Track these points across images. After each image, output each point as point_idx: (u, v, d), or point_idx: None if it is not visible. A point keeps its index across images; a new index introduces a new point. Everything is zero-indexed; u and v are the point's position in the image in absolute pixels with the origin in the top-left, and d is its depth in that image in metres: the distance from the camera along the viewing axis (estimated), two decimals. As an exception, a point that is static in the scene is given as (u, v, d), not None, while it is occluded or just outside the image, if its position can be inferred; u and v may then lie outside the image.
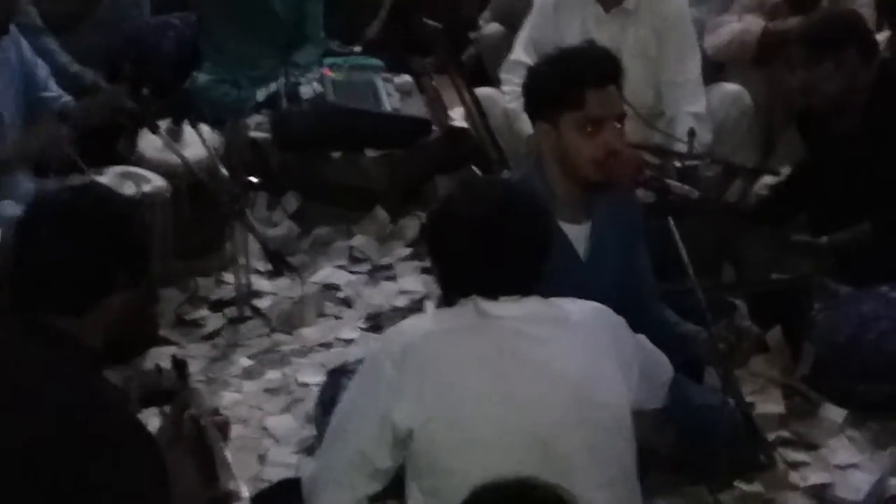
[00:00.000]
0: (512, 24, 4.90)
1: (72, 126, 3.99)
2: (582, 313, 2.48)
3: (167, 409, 2.40)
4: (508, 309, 2.39)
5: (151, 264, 3.68)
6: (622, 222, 3.17)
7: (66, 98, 4.19)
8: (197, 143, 4.16)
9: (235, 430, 3.04)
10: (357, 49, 5.38)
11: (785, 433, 3.37)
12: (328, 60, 5.02)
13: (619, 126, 3.00)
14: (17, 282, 2.12)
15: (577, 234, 3.04)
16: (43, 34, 4.44)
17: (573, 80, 2.97)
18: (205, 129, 4.27)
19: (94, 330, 2.11)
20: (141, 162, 4.14)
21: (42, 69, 4.16)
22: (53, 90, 4.18)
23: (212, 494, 2.30)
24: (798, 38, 3.98)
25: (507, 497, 1.79)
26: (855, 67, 3.77)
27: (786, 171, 4.26)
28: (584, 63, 3.03)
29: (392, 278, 4.27)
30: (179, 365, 2.49)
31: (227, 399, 3.52)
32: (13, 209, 3.67)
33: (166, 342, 3.81)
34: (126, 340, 2.40)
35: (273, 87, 4.89)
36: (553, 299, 2.47)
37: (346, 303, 4.13)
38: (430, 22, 4.78)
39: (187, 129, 4.25)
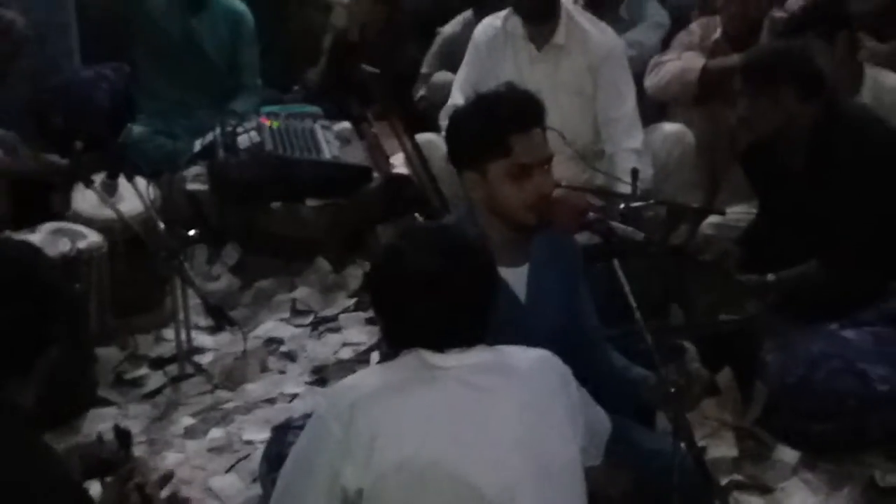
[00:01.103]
0: (456, 69, 4.93)
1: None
2: (529, 362, 2.48)
3: (108, 479, 2.38)
4: (455, 360, 2.38)
5: (87, 322, 3.70)
6: (561, 264, 3.18)
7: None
8: (133, 196, 4.14)
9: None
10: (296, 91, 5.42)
11: (738, 477, 3.39)
12: (265, 108, 5.04)
13: (547, 168, 3.01)
14: None
15: (516, 277, 3.04)
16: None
17: (497, 127, 2.97)
18: (141, 182, 4.23)
19: (26, 389, 2.11)
20: (76, 217, 4.12)
21: None
22: None
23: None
24: (738, 73, 4.03)
25: None
26: (792, 104, 3.78)
27: (731, 210, 4.29)
28: (506, 108, 3.01)
29: (336, 330, 4.25)
30: (122, 435, 2.48)
31: (169, 460, 3.48)
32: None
33: (105, 402, 3.77)
34: (62, 401, 2.40)
35: (210, 136, 4.86)
36: (500, 347, 2.46)
37: (290, 357, 4.11)
38: (369, 67, 4.80)
39: (123, 183, 4.20)
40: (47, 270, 2.36)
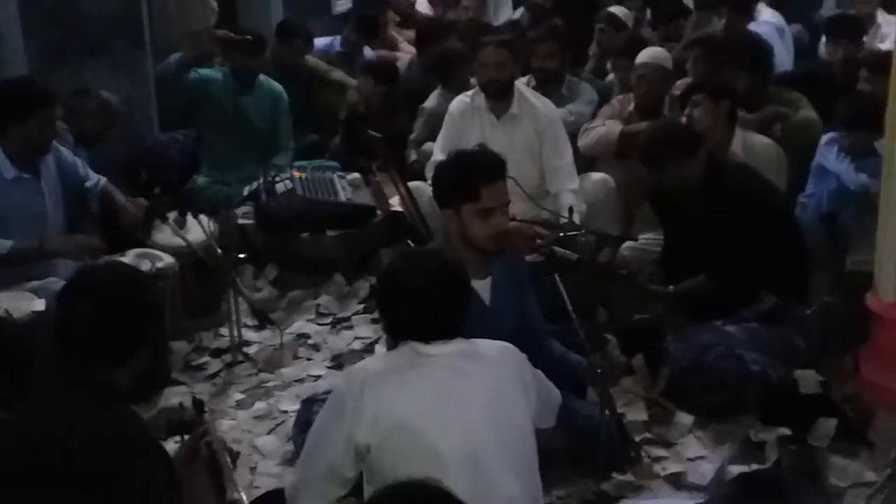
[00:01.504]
0: (436, 133, 4.95)
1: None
2: (494, 350, 2.51)
3: (186, 437, 2.39)
4: (438, 349, 2.42)
5: (164, 323, 3.68)
6: (514, 278, 3.23)
7: (102, 181, 4.15)
8: (198, 229, 4.16)
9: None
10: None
11: (648, 435, 3.39)
12: (297, 163, 5.06)
13: (505, 210, 3.05)
14: (63, 343, 2.12)
15: (482, 287, 3.08)
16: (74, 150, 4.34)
17: (470, 179, 3.01)
18: (203, 218, 4.25)
19: (123, 376, 2.11)
20: (154, 245, 4.10)
21: (81, 167, 4.10)
22: (92, 178, 4.14)
23: (220, 502, 2.30)
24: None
25: (404, 496, 1.80)
26: (677, 167, 3.83)
27: (643, 237, 4.33)
28: (479, 166, 3.06)
29: (350, 328, 4.24)
30: (198, 404, 2.51)
31: (224, 425, 3.45)
32: (56, 285, 3.63)
33: (177, 383, 3.76)
34: (147, 380, 2.40)
35: (255, 184, 4.86)
36: (472, 340, 2.50)
37: (315, 348, 4.10)
38: (373, 133, 4.82)
39: (190, 219, 4.23)
40: (150, 288, 2.39)
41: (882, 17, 5.73)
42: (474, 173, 3.03)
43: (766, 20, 6.10)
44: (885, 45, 5.06)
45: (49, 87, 3.93)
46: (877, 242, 3.58)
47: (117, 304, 2.17)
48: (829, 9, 6.73)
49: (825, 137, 4.54)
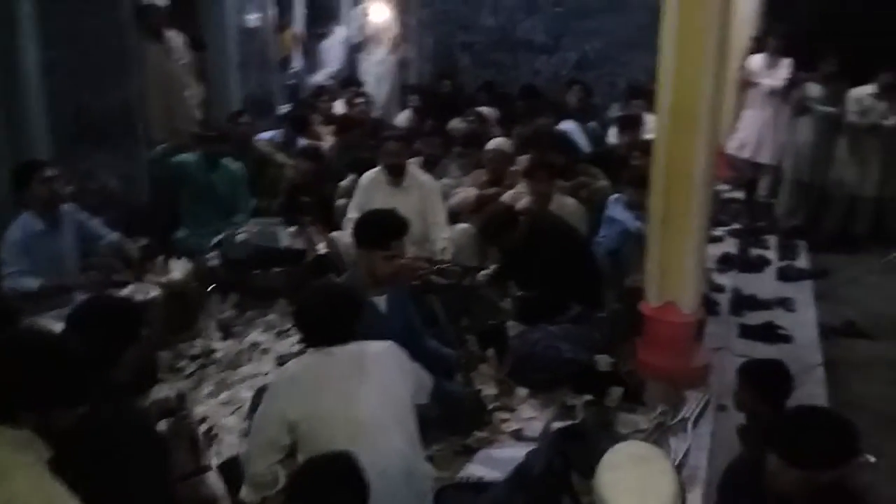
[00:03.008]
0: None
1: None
2: (382, 347, 2.54)
3: (172, 419, 2.37)
4: (339, 350, 2.44)
5: (154, 336, 3.58)
6: (400, 295, 3.24)
7: (114, 236, 4.06)
8: (178, 270, 4.08)
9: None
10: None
11: (497, 404, 3.41)
12: (252, 220, 4.96)
13: (403, 256, 3.12)
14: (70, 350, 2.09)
15: (380, 301, 3.11)
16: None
17: (385, 235, 3.05)
18: (182, 262, 4.18)
19: (120, 372, 2.09)
20: (146, 281, 3.97)
21: (97, 225, 4.03)
22: (106, 233, 4.06)
23: (196, 465, 2.30)
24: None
25: (322, 467, 1.86)
26: (506, 237, 3.93)
27: (491, 267, 4.38)
28: (393, 226, 3.10)
29: (290, 336, 4.12)
30: (180, 396, 2.47)
31: (200, 410, 3.38)
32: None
33: (163, 381, 3.61)
34: (142, 380, 2.38)
35: (221, 236, 4.73)
36: (365, 342, 2.51)
37: (265, 352, 4.01)
38: (305, 199, 4.81)
39: (172, 263, 4.15)
40: (131, 307, 2.37)
41: (648, 116, 5.98)
42: (389, 231, 3.07)
43: (570, 122, 6.34)
44: (649, 136, 5.29)
45: (37, 159, 3.94)
46: (646, 268, 3.70)
47: (119, 320, 2.18)
48: (615, 111, 6.98)
49: (613, 197, 4.69)
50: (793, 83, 6.29)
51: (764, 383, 2.78)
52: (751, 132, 6.69)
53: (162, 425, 2.37)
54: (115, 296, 2.93)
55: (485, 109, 6.73)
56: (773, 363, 2.91)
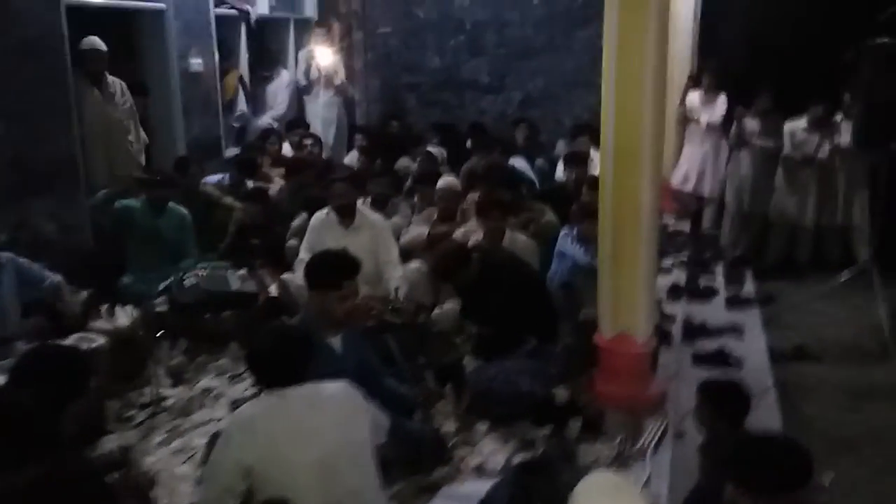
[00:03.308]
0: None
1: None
2: (337, 388, 2.51)
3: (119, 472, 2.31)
4: (294, 391, 2.40)
5: (99, 388, 3.49)
6: (355, 335, 3.21)
7: (57, 278, 3.98)
8: (124, 317, 4.00)
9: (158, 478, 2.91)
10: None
11: (457, 439, 3.39)
12: (200, 264, 4.87)
13: (355, 296, 3.09)
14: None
15: (335, 342, 3.08)
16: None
17: (337, 275, 3.04)
18: (128, 309, 4.10)
19: (67, 424, 2.04)
20: (90, 330, 3.89)
21: (38, 270, 3.96)
22: (47, 277, 3.98)
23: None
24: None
25: None
26: (458, 276, 3.89)
27: (446, 305, 4.39)
28: (344, 266, 3.09)
29: (243, 380, 4.07)
30: (126, 450, 2.41)
31: (151, 460, 3.28)
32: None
33: (111, 432, 3.50)
34: (90, 432, 2.33)
35: (169, 281, 4.66)
36: (320, 383, 2.48)
37: (217, 398, 3.93)
38: (254, 239, 4.77)
39: (118, 310, 4.06)
40: (77, 357, 2.31)
41: (593, 152, 6.13)
42: (341, 270, 3.06)
43: (519, 158, 6.47)
44: (595, 172, 5.41)
45: None
46: (598, 301, 3.74)
47: (62, 371, 2.13)
48: (561, 148, 7.14)
49: (563, 231, 4.74)
50: (730, 118, 6.53)
51: (722, 401, 2.84)
52: (692, 166, 6.91)
53: (111, 478, 2.31)
54: (60, 345, 2.84)
55: (434, 148, 6.82)
56: (731, 383, 2.99)
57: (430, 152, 6.65)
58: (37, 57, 4.80)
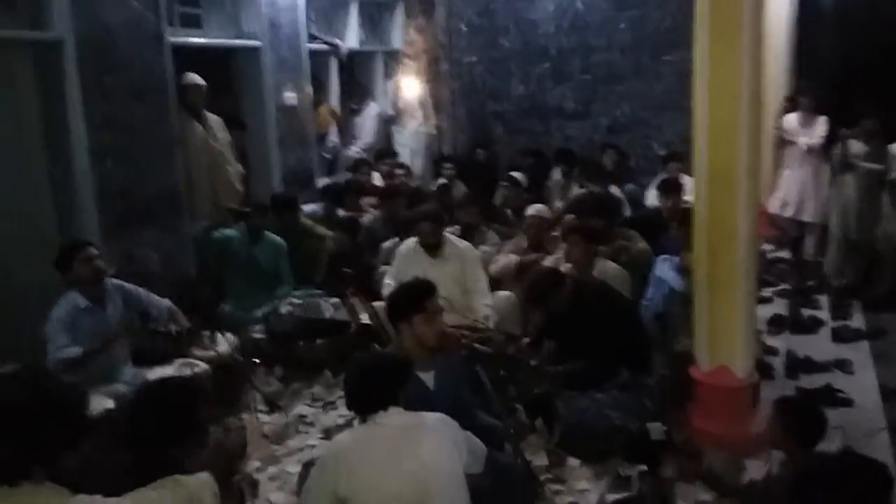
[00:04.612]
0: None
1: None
2: (434, 419, 2.52)
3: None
4: (390, 420, 2.43)
5: (202, 412, 3.61)
6: (451, 368, 3.23)
7: (166, 302, 4.09)
8: (224, 343, 4.16)
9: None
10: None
11: (548, 475, 3.37)
12: (295, 293, 5.04)
13: (441, 317, 3.13)
14: (137, 433, 2.13)
15: (428, 377, 3.10)
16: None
17: (417, 298, 3.09)
18: (228, 335, 4.26)
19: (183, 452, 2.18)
20: (193, 356, 4.07)
21: (144, 296, 4.04)
22: (157, 300, 4.07)
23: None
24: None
25: None
26: (551, 301, 3.84)
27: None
28: (419, 288, 3.14)
29: (336, 408, 4.18)
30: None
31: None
32: (123, 388, 3.60)
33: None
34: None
35: (265, 309, 4.86)
36: (418, 413, 2.51)
37: (311, 424, 4.04)
38: (347, 269, 4.88)
39: (219, 337, 4.22)
40: (191, 390, 2.42)
41: (684, 178, 6.00)
42: (418, 293, 3.12)
43: (612, 186, 6.39)
44: (689, 198, 5.28)
45: (78, 240, 4.03)
46: (694, 332, 3.66)
47: (176, 405, 2.22)
48: (657, 174, 6.99)
49: (661, 257, 4.66)
50: (832, 140, 6.28)
51: (794, 418, 2.72)
52: (791, 191, 6.67)
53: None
54: (175, 378, 2.96)
55: (517, 175, 6.81)
56: (808, 402, 2.84)
57: (513, 177, 6.65)
58: (143, 96, 5.07)
